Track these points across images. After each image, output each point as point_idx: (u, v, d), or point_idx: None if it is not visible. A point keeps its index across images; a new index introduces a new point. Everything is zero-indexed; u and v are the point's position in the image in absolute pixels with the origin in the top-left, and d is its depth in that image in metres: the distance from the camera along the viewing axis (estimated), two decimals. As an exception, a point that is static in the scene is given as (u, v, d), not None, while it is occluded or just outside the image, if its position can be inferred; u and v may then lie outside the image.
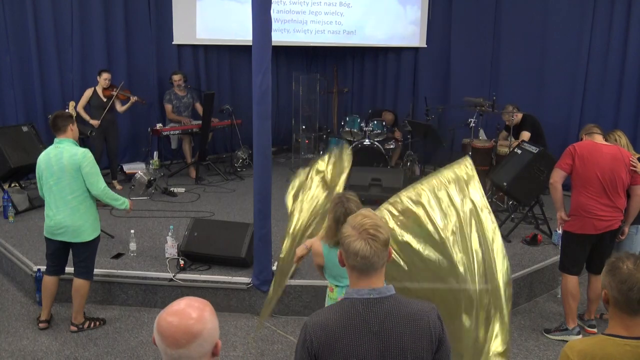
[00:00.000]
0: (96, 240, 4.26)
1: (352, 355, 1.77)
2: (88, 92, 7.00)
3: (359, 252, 1.76)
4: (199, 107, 8.09)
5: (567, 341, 4.20)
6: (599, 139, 4.22)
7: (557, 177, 4.18)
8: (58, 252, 4.22)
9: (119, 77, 7.92)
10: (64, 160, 4.02)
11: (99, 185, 4.10)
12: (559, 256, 4.55)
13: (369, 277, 1.80)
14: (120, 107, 7.27)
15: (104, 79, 6.99)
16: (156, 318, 1.59)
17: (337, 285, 3.01)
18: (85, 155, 4.05)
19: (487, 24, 8.15)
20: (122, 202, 4.26)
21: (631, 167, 4.07)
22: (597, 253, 4.22)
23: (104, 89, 7.02)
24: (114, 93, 7.04)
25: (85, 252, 4.19)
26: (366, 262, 1.77)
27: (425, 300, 1.92)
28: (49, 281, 4.27)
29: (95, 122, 6.89)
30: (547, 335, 4.38)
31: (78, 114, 6.87)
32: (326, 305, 3.04)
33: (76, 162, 4.02)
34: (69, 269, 4.32)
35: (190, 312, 1.57)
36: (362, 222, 1.80)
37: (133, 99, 7.27)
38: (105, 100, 7.00)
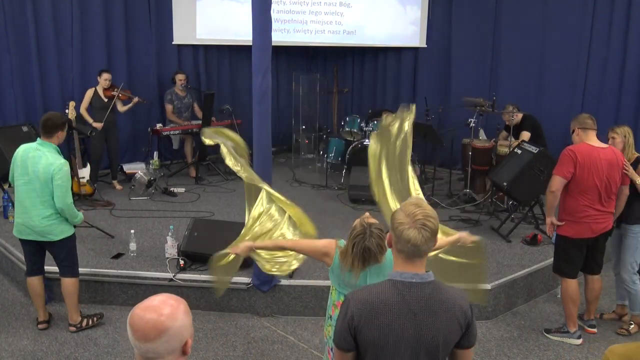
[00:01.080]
0: (69, 240, 4.17)
1: (391, 332, 1.90)
2: (89, 93, 6.99)
3: (411, 239, 1.88)
4: (197, 109, 8.09)
5: (566, 343, 4.24)
6: (593, 137, 4.08)
7: (559, 185, 4.04)
8: (32, 250, 4.17)
9: (119, 77, 7.92)
10: (39, 167, 3.95)
11: (66, 200, 4.00)
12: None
13: (414, 262, 1.94)
14: (121, 107, 7.27)
15: (105, 79, 6.98)
16: (130, 312, 1.62)
17: (336, 289, 2.93)
18: (61, 169, 3.96)
19: (487, 24, 8.15)
20: (79, 219, 4.20)
21: (623, 170, 4.08)
22: (592, 254, 4.22)
23: (105, 89, 7.02)
24: (115, 93, 7.04)
25: (61, 252, 4.15)
26: (415, 250, 1.90)
27: (458, 289, 2.07)
28: (32, 282, 4.24)
29: (98, 125, 6.88)
30: (547, 335, 4.38)
31: (80, 115, 6.88)
32: (328, 305, 3.03)
33: (50, 173, 3.94)
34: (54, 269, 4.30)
35: (162, 308, 1.60)
36: (414, 211, 1.91)
37: (135, 99, 7.29)
38: (106, 100, 7.00)
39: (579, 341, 4.25)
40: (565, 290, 4.24)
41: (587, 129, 4.09)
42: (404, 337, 1.91)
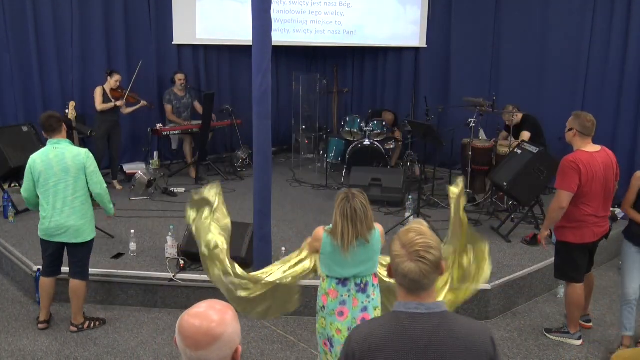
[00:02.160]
0: (92, 242, 4.27)
1: None
2: (100, 90, 7.03)
3: (408, 274, 1.71)
4: (198, 107, 8.09)
5: (566, 344, 4.24)
6: (589, 143, 3.97)
7: (568, 200, 3.88)
8: (56, 253, 4.21)
9: (123, 78, 7.93)
10: (67, 160, 4.01)
11: (103, 184, 4.20)
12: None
13: (419, 295, 1.75)
14: (125, 109, 7.29)
15: (115, 80, 7.06)
16: (178, 319, 1.59)
17: (327, 276, 3.07)
18: (88, 156, 4.11)
19: (487, 24, 8.15)
20: (112, 208, 4.39)
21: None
22: (590, 256, 4.25)
23: (113, 90, 7.05)
24: (125, 95, 7.09)
25: (82, 253, 4.20)
26: (415, 284, 1.72)
27: (479, 321, 1.87)
28: (47, 283, 4.26)
29: (120, 103, 7.00)
30: (547, 335, 4.38)
31: (80, 116, 6.89)
32: (318, 295, 3.15)
33: (81, 162, 4.04)
34: (65, 269, 4.31)
35: (212, 315, 1.57)
36: (413, 240, 1.72)
37: (142, 103, 7.33)
38: (112, 100, 7.03)
39: (579, 342, 4.25)
40: (571, 295, 4.18)
41: (586, 135, 3.96)
42: None
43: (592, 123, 3.95)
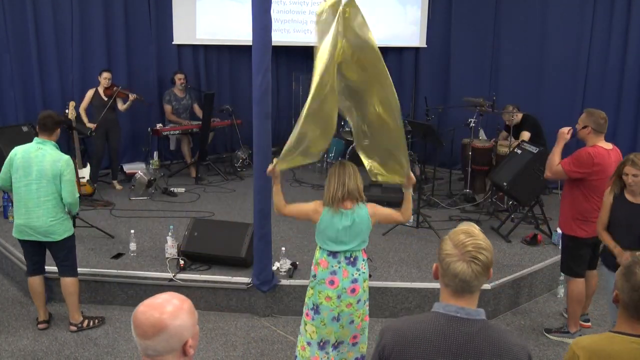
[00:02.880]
0: (70, 239, 4.20)
1: None
2: (90, 93, 7.01)
3: (459, 274, 1.67)
4: (197, 110, 8.09)
5: (566, 343, 4.25)
6: (603, 139, 4.04)
7: (560, 177, 4.17)
8: (33, 251, 4.18)
9: (119, 77, 7.92)
10: (45, 164, 3.97)
11: (75, 195, 4.10)
12: (559, 256, 4.53)
13: (463, 297, 1.72)
14: (121, 106, 7.26)
15: (105, 78, 6.99)
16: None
17: (320, 247, 3.30)
18: (68, 164, 4.03)
19: (487, 24, 8.15)
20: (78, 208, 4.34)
21: None
22: (593, 251, 4.27)
23: (105, 89, 7.03)
24: (115, 92, 7.04)
25: (62, 251, 4.16)
26: (464, 285, 1.68)
27: (516, 335, 1.85)
28: (33, 282, 4.25)
29: (92, 125, 6.90)
30: (547, 335, 4.39)
31: (78, 114, 6.88)
32: (313, 264, 3.35)
33: (58, 169, 3.98)
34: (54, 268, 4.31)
35: (165, 306, 1.59)
36: (464, 241, 1.69)
37: (132, 96, 7.24)
38: (106, 99, 7.01)
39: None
40: (572, 290, 4.21)
41: (600, 132, 4.01)
42: None
43: (605, 120, 4.02)
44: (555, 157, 4.12)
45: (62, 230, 4.10)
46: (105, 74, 7.02)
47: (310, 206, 3.37)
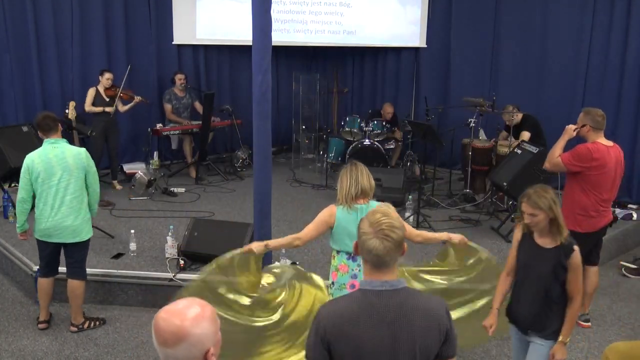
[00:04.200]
0: (89, 241, 4.25)
1: (365, 343, 1.82)
2: (92, 92, 6.99)
3: (372, 250, 1.84)
4: (198, 106, 8.09)
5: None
6: (602, 136, 4.15)
7: (559, 169, 4.22)
8: (53, 253, 4.19)
9: (120, 77, 7.92)
10: (68, 159, 4.00)
11: (98, 185, 4.23)
12: None
13: (381, 271, 1.87)
14: (122, 107, 7.26)
15: (107, 78, 7.00)
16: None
17: (338, 252, 3.28)
18: (89, 156, 4.13)
19: (487, 24, 8.15)
20: (96, 209, 4.37)
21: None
22: (595, 246, 4.34)
23: (106, 89, 7.03)
24: (118, 93, 7.04)
25: (79, 252, 4.18)
26: (379, 260, 1.85)
27: (434, 295, 2.02)
28: (45, 283, 4.25)
29: (110, 109, 6.94)
30: None
31: (79, 115, 6.86)
32: (329, 274, 3.34)
33: (82, 162, 4.05)
34: (62, 268, 4.31)
35: (186, 313, 1.53)
36: (379, 220, 1.86)
37: (137, 99, 7.28)
38: (107, 100, 7.01)
39: (587, 324, 4.39)
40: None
41: (599, 129, 4.13)
42: (379, 349, 1.82)
43: (602, 117, 4.15)
44: (556, 150, 4.22)
45: (87, 229, 4.17)
46: (107, 74, 7.01)
47: (324, 213, 3.33)
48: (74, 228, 4.07)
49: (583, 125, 4.16)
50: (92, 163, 4.16)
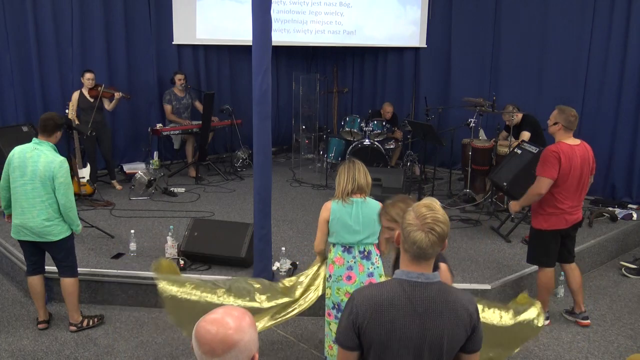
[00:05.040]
0: (69, 239, 4.15)
1: (395, 330, 1.88)
2: (75, 96, 6.89)
3: (417, 242, 1.87)
4: (199, 106, 8.09)
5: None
6: (571, 136, 4.18)
7: (548, 186, 4.11)
8: (31, 251, 4.16)
9: (120, 77, 7.95)
10: (39, 165, 3.93)
11: (69, 196, 4.01)
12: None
13: (420, 263, 1.92)
14: (108, 105, 7.17)
15: (87, 78, 6.89)
16: (195, 325, 1.57)
17: (334, 244, 3.40)
18: (62, 166, 3.96)
19: (487, 24, 8.16)
20: (78, 224, 4.16)
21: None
22: (565, 244, 4.38)
23: (90, 90, 6.94)
24: (101, 92, 6.93)
25: (60, 252, 4.13)
26: (421, 252, 1.89)
27: (465, 291, 2.04)
28: (32, 281, 4.23)
29: (71, 115, 6.63)
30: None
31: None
32: (326, 267, 3.45)
33: (51, 171, 3.93)
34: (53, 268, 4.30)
35: (229, 321, 1.54)
36: (425, 213, 1.89)
37: (118, 94, 7.14)
38: (92, 100, 6.92)
39: (547, 322, 4.39)
40: (542, 279, 4.39)
41: (570, 129, 4.16)
42: (408, 336, 1.88)
43: (575, 118, 4.17)
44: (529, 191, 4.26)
45: (57, 231, 4.05)
46: (88, 75, 6.91)
47: (321, 212, 3.44)
48: (40, 229, 3.99)
49: (555, 123, 4.17)
50: (62, 174, 3.94)
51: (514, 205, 4.53)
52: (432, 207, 1.93)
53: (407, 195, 3.21)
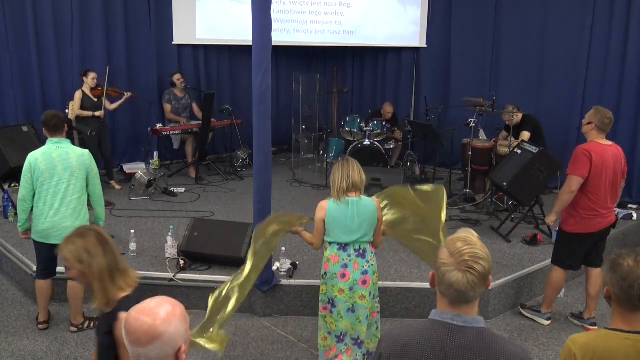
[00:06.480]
0: None
1: None
2: (79, 94, 6.89)
3: (454, 284, 1.61)
4: (196, 109, 8.09)
5: (535, 321, 4.40)
6: (604, 137, 4.14)
7: (578, 185, 4.05)
8: (50, 255, 4.10)
9: (120, 77, 7.94)
10: (71, 160, 3.99)
11: (100, 188, 4.22)
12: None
13: (460, 307, 1.67)
14: (110, 105, 7.19)
15: (92, 78, 6.90)
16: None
17: (330, 243, 3.42)
18: (91, 157, 4.13)
19: (487, 24, 8.16)
20: (104, 215, 4.32)
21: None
22: (595, 248, 4.31)
23: (92, 89, 6.95)
24: (104, 91, 6.94)
25: None
26: (460, 296, 1.63)
27: (520, 345, 1.80)
28: (43, 285, 4.21)
29: (100, 113, 6.83)
30: (521, 309, 4.58)
31: (77, 116, 6.84)
32: (321, 265, 3.51)
33: (85, 163, 4.05)
34: (61, 268, 4.29)
35: (158, 312, 1.55)
36: (461, 249, 1.62)
37: (127, 94, 7.19)
38: (95, 100, 6.94)
39: (548, 322, 4.42)
40: (553, 277, 4.37)
41: (603, 130, 4.11)
42: None
43: (610, 120, 4.13)
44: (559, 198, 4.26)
45: None
46: (92, 74, 6.92)
47: (317, 211, 3.45)
48: (73, 228, 4.02)
49: (589, 123, 4.14)
50: (94, 165, 4.15)
51: (550, 217, 4.45)
52: (469, 241, 1.65)
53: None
